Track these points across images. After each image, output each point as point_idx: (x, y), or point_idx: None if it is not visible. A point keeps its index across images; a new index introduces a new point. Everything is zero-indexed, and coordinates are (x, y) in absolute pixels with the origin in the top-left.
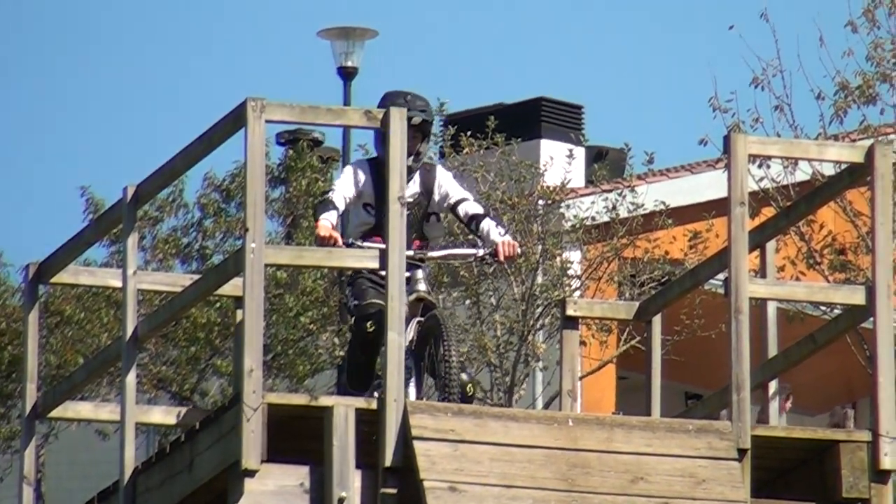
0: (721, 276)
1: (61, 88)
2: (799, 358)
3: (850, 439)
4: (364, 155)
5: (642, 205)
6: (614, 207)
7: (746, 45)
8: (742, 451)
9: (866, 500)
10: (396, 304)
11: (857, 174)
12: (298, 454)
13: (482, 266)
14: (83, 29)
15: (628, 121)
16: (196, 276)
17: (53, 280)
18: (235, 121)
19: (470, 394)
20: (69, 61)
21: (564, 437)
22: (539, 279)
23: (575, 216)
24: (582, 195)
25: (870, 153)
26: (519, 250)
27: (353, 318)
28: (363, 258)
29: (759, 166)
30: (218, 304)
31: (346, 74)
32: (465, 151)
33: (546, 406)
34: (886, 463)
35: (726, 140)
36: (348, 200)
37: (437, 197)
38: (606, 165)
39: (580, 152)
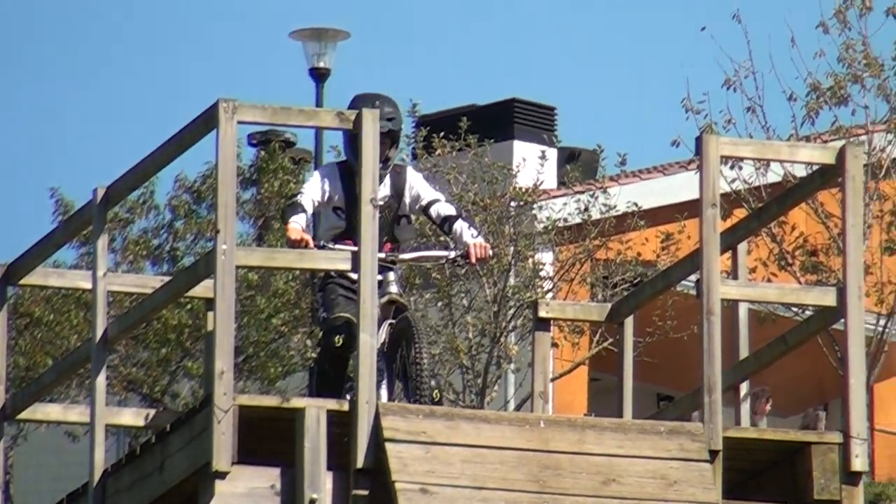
0: (693, 277)
1: (29, 89)
2: (770, 359)
3: (822, 441)
4: (337, 156)
5: (615, 206)
6: (587, 209)
7: (719, 47)
8: (714, 453)
9: (837, 502)
10: (368, 307)
11: (829, 175)
12: (269, 456)
13: (454, 268)
14: (51, 30)
15: (601, 122)
16: (167, 278)
17: (23, 282)
18: (207, 122)
19: (436, 400)
20: (36, 62)
21: (536, 438)
22: (511, 281)
23: (547, 218)
24: (554, 196)
25: (841, 154)
26: (491, 252)
27: (322, 332)
28: (335, 260)
29: (732, 167)
30: (189, 306)
31: (319, 76)
32: (437, 153)
33: (518, 408)
34: (857, 465)
35: (698, 141)
36: (316, 204)
37: (407, 199)
38: (579, 167)
39: (553, 153)
